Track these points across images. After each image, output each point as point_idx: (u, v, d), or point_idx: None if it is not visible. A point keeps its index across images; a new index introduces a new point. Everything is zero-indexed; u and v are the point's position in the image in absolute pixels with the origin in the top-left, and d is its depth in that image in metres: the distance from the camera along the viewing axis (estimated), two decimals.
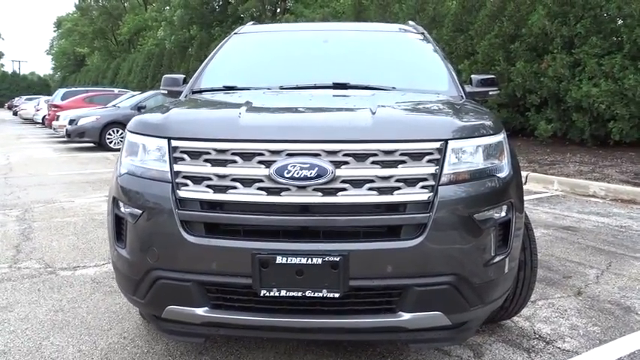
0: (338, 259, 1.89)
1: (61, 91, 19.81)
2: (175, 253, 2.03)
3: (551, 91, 10.19)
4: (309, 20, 18.97)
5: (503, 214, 2.19)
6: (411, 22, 4.01)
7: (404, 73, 3.24)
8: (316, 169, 1.94)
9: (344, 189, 1.96)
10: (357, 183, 1.97)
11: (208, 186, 2.02)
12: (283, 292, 1.94)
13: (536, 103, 10.63)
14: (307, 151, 1.99)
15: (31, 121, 26.81)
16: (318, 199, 1.95)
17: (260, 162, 2.00)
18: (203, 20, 29.23)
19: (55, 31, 63.88)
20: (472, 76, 3.45)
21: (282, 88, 2.99)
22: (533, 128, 10.80)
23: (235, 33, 3.82)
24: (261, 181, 1.98)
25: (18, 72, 74.74)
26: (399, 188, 1.98)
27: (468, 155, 2.11)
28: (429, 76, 3.24)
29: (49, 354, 2.55)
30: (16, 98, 40.82)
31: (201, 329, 2.18)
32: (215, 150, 2.05)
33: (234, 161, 2.02)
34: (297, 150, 2.00)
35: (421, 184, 2.00)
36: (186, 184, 2.04)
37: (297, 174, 1.94)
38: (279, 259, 1.91)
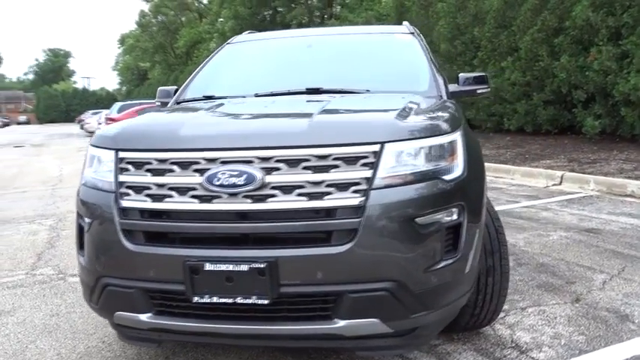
0: (263, 265, 1.89)
1: (117, 105, 20.82)
2: (119, 261, 2.10)
3: (597, 86, 9.68)
4: (353, 24, 18.97)
5: (451, 217, 2.11)
6: (405, 23, 3.95)
7: (382, 76, 3.20)
8: (245, 176, 1.95)
9: (273, 195, 1.96)
10: (287, 189, 1.96)
11: (147, 195, 2.08)
12: (215, 299, 1.96)
13: (582, 99, 10.14)
14: (240, 158, 2.01)
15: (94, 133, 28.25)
16: (247, 205, 1.96)
17: (195, 170, 2.03)
18: (253, 30, 29.85)
19: (119, 48, 67.10)
20: (460, 74, 3.35)
21: (257, 95, 3.03)
22: (582, 125, 10.30)
23: (228, 43, 3.90)
24: (194, 189, 2.02)
25: (88, 88, 79.02)
26: (329, 193, 1.95)
27: (408, 157, 2.05)
28: (409, 77, 3.18)
29: (30, 356, 2.69)
30: (84, 113, 43.14)
31: (153, 334, 2.24)
32: (156, 160, 2.10)
33: (172, 170, 2.07)
34: (230, 157, 2.02)
35: (353, 188, 1.96)
36: (128, 194, 2.11)
37: (226, 181, 1.96)
38: (207, 266, 1.93)
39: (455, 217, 2.13)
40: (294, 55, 3.53)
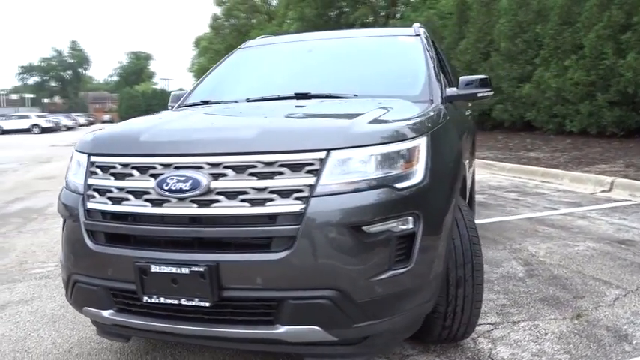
0: (203, 269, 1.95)
1: None
2: (84, 259, 2.23)
3: None
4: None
5: (404, 226, 2.07)
6: (415, 25, 3.86)
7: (375, 80, 3.17)
8: (191, 181, 2.01)
9: (218, 201, 2.01)
10: (232, 195, 2.00)
11: (109, 198, 2.19)
12: (162, 299, 2.04)
13: None
14: (191, 164, 2.08)
15: None
16: (192, 210, 2.02)
17: (151, 175, 2.12)
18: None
19: (193, 50, 69.66)
20: (460, 77, 3.25)
21: (248, 100, 3.10)
22: None
23: (239, 48, 3.99)
24: (149, 193, 2.10)
25: (166, 88, 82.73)
26: (272, 200, 1.98)
27: (356, 165, 2.03)
28: (401, 81, 3.13)
29: (29, 344, 2.90)
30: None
31: (121, 330, 2.35)
32: (120, 164, 2.21)
33: (132, 175, 2.17)
34: (182, 163, 2.09)
35: (295, 195, 1.97)
36: (94, 196, 2.23)
37: (174, 187, 2.03)
38: (153, 268, 2.01)
39: (408, 226, 2.08)
40: (293, 60, 3.56)
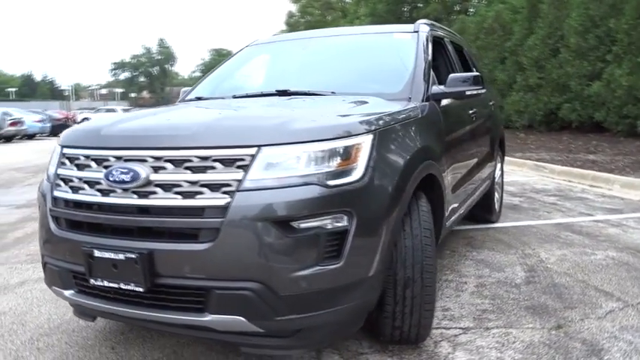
0: (136, 256, 2.07)
1: None
2: (50, 243, 2.43)
3: None
4: (481, 20, 18.12)
5: (337, 223, 2.08)
6: (420, 21, 3.79)
7: (357, 77, 3.18)
8: (131, 173, 2.14)
9: (155, 192, 2.12)
10: (167, 187, 2.11)
11: (70, 186, 2.36)
12: (105, 283, 2.18)
13: None
14: (137, 157, 2.21)
15: None
16: (133, 200, 2.15)
17: (105, 166, 2.27)
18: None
19: None
20: (450, 75, 3.18)
21: (234, 97, 3.21)
22: None
23: (248, 45, 4.10)
24: (100, 183, 2.25)
25: None
26: (202, 193, 2.06)
27: (286, 161, 2.07)
28: (383, 79, 3.13)
29: (28, 318, 3.17)
30: None
31: (87, 310, 2.53)
32: (83, 156, 2.38)
33: (90, 166, 2.33)
34: (130, 156, 2.22)
35: (224, 189, 2.04)
36: (60, 185, 2.42)
37: (118, 178, 2.16)
38: (97, 253, 2.16)
39: (341, 223, 2.09)
40: (288, 58, 3.63)
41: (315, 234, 2.05)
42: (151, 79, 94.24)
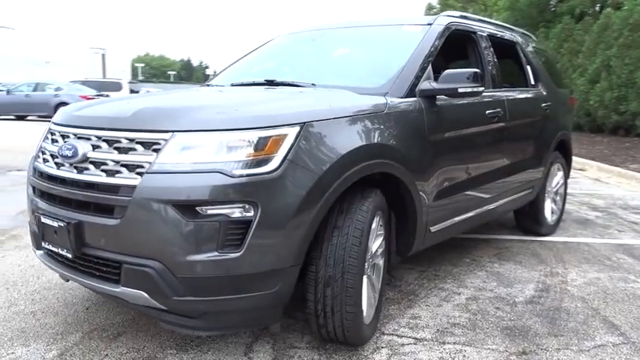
0: (64, 224, 2.28)
1: None
2: (30, 208, 2.74)
3: None
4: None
5: (241, 213, 2.11)
6: (447, 12, 3.58)
7: (346, 70, 3.13)
8: (72, 150, 2.35)
9: (88, 168, 2.31)
10: (97, 164, 2.29)
11: (43, 159, 2.65)
12: (50, 247, 2.44)
13: None
14: (85, 135, 2.42)
15: None
16: (71, 174, 2.36)
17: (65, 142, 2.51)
18: (529, 22, 27.87)
19: None
20: (445, 71, 2.98)
21: (232, 85, 3.34)
22: None
23: (279, 35, 4.18)
24: (57, 157, 2.50)
25: None
26: (120, 172, 2.21)
27: (197, 148, 2.14)
28: (370, 73, 3.05)
29: (21, 282, 3.43)
30: None
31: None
32: (58, 132, 2.66)
33: (57, 141, 2.59)
34: (81, 134, 2.44)
35: (138, 170, 2.17)
36: (38, 157, 2.72)
37: (62, 152, 2.39)
38: (43, 219, 2.41)
39: (246, 213, 2.11)
40: (297, 49, 3.65)
41: (217, 221, 2.09)
42: None
